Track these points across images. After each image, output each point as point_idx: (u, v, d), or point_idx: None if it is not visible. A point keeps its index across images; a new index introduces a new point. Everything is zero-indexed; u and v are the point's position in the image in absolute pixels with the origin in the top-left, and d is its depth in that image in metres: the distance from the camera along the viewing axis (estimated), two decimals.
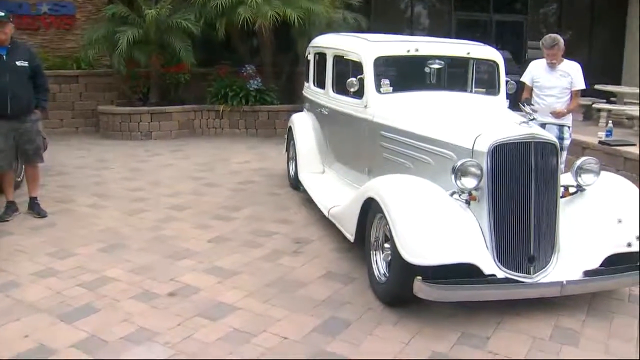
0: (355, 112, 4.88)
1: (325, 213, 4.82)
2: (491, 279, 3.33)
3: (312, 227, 5.23)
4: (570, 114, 5.47)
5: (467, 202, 3.58)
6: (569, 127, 5.47)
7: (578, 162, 3.81)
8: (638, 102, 10.68)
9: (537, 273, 3.51)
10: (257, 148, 9.02)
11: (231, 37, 9.99)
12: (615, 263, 3.63)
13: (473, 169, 3.46)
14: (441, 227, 3.33)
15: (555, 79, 5.43)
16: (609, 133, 6.97)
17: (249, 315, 3.56)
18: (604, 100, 11.89)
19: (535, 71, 5.58)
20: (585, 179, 3.80)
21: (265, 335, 3.32)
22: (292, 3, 8.83)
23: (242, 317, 3.54)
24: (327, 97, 5.52)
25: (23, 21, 10.50)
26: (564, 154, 5.31)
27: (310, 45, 6.23)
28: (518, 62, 12.89)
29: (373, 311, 3.62)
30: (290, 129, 6.41)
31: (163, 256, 4.52)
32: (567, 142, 5.46)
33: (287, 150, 6.63)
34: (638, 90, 11.59)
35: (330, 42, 5.58)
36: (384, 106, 4.58)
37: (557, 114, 5.36)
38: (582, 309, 3.68)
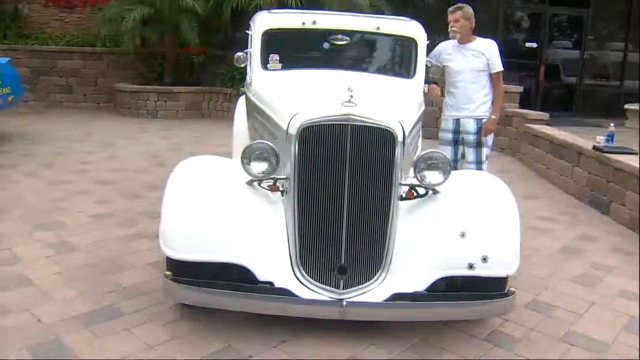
0: (246, 90, 4.44)
1: None
2: (260, 287, 2.74)
3: None
4: (488, 103, 4.51)
5: (282, 193, 3.05)
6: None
7: (419, 155, 3.08)
8: None
9: (351, 289, 2.82)
10: None
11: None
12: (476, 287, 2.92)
13: (264, 154, 2.92)
14: (206, 217, 2.78)
15: (466, 59, 4.48)
16: (610, 138, 5.88)
17: (33, 292, 3.29)
18: None
19: (444, 52, 4.62)
20: (429, 177, 3.02)
21: (24, 316, 3.02)
22: None
23: (24, 293, 3.27)
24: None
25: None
26: (485, 150, 4.47)
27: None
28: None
29: (159, 307, 3.16)
30: None
31: (30, 225, 4.38)
32: (485, 138, 4.51)
33: None
34: None
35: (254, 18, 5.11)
36: (264, 84, 4.08)
37: (488, 131, 4.51)
38: (408, 340, 2.95)
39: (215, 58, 10.33)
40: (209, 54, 10.17)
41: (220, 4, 9.01)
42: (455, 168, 4.56)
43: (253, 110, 4.09)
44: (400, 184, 2.99)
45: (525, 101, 9.47)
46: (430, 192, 3.08)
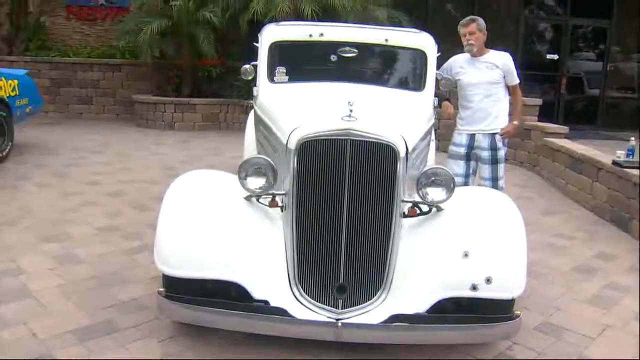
0: (253, 103, 4.41)
1: None
2: (254, 306, 2.66)
3: None
4: (503, 117, 4.39)
5: (282, 209, 2.98)
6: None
7: (423, 170, 2.98)
8: None
9: (350, 309, 2.73)
10: None
11: None
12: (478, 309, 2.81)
13: (261, 169, 2.85)
14: (202, 233, 2.72)
15: (480, 72, 4.33)
16: (630, 152, 5.70)
17: (32, 305, 3.26)
18: None
19: (456, 66, 4.46)
20: (431, 193, 2.91)
21: (20, 329, 2.99)
22: None
23: (23, 306, 3.24)
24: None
25: (84, 12, 11.19)
26: (501, 167, 4.35)
27: None
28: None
29: (156, 322, 3.11)
30: None
31: (37, 237, 4.38)
32: (501, 153, 4.38)
33: None
34: None
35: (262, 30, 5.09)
36: (269, 97, 4.04)
37: (508, 132, 4.40)
38: None
39: (232, 69, 10.34)
40: (226, 66, 10.22)
41: (237, 16, 9.05)
42: (466, 184, 4.45)
43: (259, 123, 4.06)
44: (403, 201, 2.89)
45: (547, 114, 9.29)
46: (434, 209, 2.98)
